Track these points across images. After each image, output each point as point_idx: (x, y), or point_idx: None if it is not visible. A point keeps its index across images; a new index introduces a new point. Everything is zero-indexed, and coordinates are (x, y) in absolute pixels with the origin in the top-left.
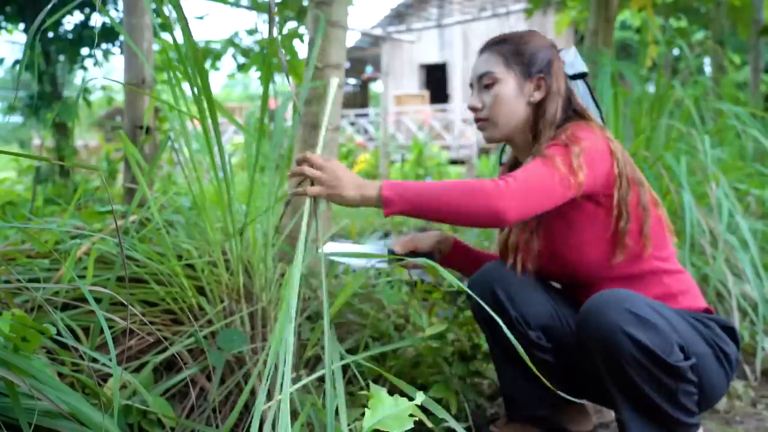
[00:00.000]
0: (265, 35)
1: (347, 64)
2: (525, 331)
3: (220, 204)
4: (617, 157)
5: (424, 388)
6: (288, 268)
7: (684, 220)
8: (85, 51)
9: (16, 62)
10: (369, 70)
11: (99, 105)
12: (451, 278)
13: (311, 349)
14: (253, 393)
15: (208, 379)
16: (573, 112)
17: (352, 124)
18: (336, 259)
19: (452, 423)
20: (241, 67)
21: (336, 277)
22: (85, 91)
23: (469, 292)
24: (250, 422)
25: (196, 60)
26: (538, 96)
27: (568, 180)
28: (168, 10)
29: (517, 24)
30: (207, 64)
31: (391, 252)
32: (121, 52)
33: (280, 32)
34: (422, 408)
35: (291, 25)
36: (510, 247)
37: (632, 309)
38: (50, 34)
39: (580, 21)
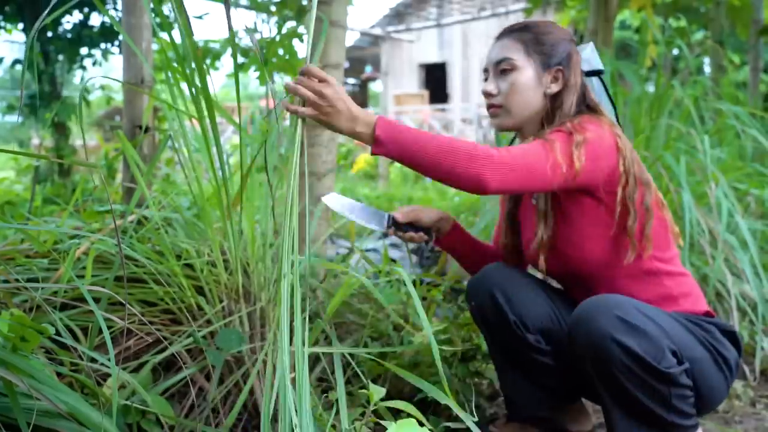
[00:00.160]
0: (265, 35)
1: (346, 64)
2: (524, 334)
3: (219, 204)
4: (624, 155)
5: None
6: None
7: (683, 220)
8: (84, 50)
9: (15, 62)
10: (368, 69)
11: (98, 104)
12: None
13: (310, 349)
14: (251, 392)
15: (207, 378)
16: (586, 108)
17: None
18: (335, 209)
19: (465, 417)
20: (240, 67)
21: (335, 277)
22: (84, 90)
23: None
24: (250, 422)
25: (195, 59)
26: (555, 88)
27: (560, 168)
28: (168, 9)
29: None
30: (206, 64)
31: (392, 219)
32: (120, 52)
33: (279, 32)
34: (421, 409)
35: (290, 24)
36: (540, 246)
37: (622, 315)
38: (49, 34)
39: (579, 20)
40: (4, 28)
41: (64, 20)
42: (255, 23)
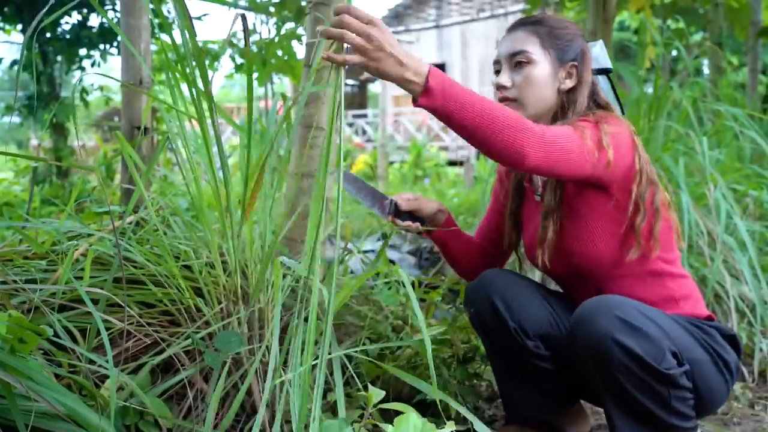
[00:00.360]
0: (264, 36)
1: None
2: (524, 341)
3: (218, 205)
4: (639, 152)
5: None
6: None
7: (682, 222)
8: (83, 51)
9: (14, 63)
10: None
11: (96, 105)
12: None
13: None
14: (249, 394)
15: (206, 380)
16: (596, 106)
17: (351, 125)
18: (346, 188)
19: (471, 416)
20: (239, 68)
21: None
22: (83, 91)
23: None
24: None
25: (199, 60)
26: (569, 84)
27: (593, 155)
28: (167, 10)
29: None
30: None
31: (395, 205)
32: (119, 53)
33: (278, 33)
34: (421, 411)
35: (289, 25)
36: (545, 243)
37: (622, 316)
38: (48, 35)
39: (578, 22)
40: (3, 29)
41: (62, 21)
42: (254, 24)
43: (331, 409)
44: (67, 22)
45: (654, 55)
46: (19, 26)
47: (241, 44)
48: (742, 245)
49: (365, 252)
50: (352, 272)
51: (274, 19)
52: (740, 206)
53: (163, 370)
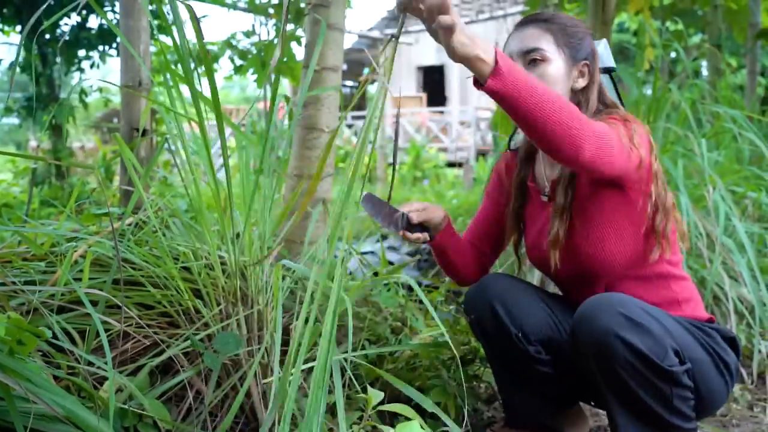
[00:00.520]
0: (263, 37)
1: (344, 66)
2: (525, 347)
3: (217, 207)
4: (655, 153)
5: (421, 391)
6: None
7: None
8: (82, 53)
9: (13, 64)
10: (366, 72)
11: (96, 107)
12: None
13: (308, 353)
14: (248, 396)
15: (205, 382)
16: (603, 105)
17: (350, 126)
18: (365, 210)
19: (451, 423)
20: (238, 69)
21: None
22: (82, 92)
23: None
24: (247, 425)
25: (205, 61)
26: (581, 83)
27: (629, 153)
28: (167, 11)
29: None
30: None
31: (407, 219)
32: (118, 54)
33: (278, 34)
34: (420, 412)
35: (288, 27)
36: (551, 242)
37: (626, 313)
38: (47, 36)
39: None
40: (2, 30)
41: (62, 22)
42: (253, 26)
43: (330, 411)
44: (66, 24)
45: (653, 57)
46: (18, 27)
47: (240, 46)
48: (741, 247)
49: (364, 253)
50: (350, 273)
51: (273, 21)
52: (739, 208)
53: (162, 372)
